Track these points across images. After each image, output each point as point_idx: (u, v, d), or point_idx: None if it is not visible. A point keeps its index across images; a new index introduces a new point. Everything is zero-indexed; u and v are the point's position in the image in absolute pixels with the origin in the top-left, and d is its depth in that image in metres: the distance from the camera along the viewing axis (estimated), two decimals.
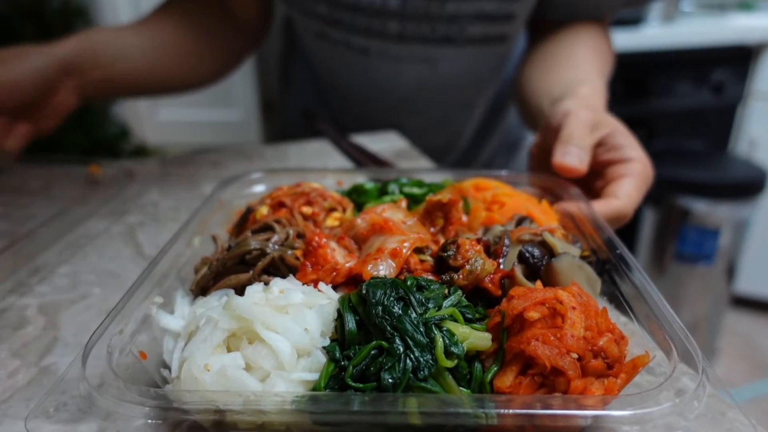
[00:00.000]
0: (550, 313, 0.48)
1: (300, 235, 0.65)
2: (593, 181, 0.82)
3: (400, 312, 0.49)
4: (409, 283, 0.52)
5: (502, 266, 0.58)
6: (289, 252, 0.62)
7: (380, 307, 0.49)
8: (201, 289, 0.61)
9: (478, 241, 0.60)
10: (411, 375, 0.46)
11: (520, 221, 0.66)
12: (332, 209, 0.73)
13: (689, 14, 2.88)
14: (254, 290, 0.54)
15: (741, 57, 2.71)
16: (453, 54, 1.21)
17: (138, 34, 1.09)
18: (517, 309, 0.48)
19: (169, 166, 1.18)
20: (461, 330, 0.49)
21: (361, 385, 0.46)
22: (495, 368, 0.48)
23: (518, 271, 0.57)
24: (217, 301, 0.55)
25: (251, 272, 0.60)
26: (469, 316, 0.52)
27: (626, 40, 2.45)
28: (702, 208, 2.51)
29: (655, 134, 2.75)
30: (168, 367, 0.50)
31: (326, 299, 0.54)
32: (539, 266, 0.58)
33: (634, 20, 2.57)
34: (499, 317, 0.50)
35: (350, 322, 0.50)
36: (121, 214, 0.96)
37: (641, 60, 2.56)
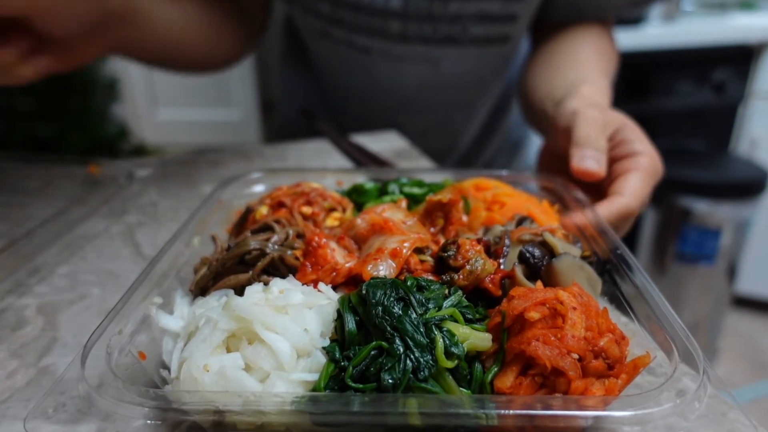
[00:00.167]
0: (550, 313, 0.48)
1: (300, 235, 0.65)
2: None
3: (400, 312, 0.49)
4: (409, 283, 0.52)
5: (502, 266, 0.58)
6: (289, 252, 0.62)
7: (380, 308, 0.49)
8: (200, 290, 0.61)
9: (479, 241, 0.60)
10: (411, 375, 0.45)
11: (521, 221, 0.66)
12: (332, 209, 0.73)
13: (690, 13, 2.88)
14: (254, 290, 0.53)
15: (742, 56, 2.71)
16: (455, 54, 1.21)
17: (174, 5, 1.05)
18: (518, 309, 0.48)
19: (169, 166, 1.18)
20: (461, 330, 0.49)
21: (361, 386, 0.46)
22: (495, 369, 0.48)
23: (519, 272, 0.57)
24: (216, 301, 0.55)
25: (251, 272, 0.60)
26: (470, 316, 0.52)
27: (627, 39, 2.45)
28: (703, 208, 2.51)
29: (656, 134, 2.72)
30: (167, 368, 0.50)
31: (326, 299, 0.54)
32: (540, 266, 0.58)
33: (635, 20, 2.57)
34: (500, 317, 0.49)
35: (350, 323, 0.50)
36: (121, 214, 0.96)
37: (642, 59, 2.56)
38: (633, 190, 0.75)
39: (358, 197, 0.80)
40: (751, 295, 3.09)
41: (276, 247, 0.62)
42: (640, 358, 0.48)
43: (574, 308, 0.48)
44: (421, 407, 0.43)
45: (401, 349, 0.46)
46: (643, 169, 0.77)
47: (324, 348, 0.49)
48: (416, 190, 0.80)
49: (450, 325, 0.49)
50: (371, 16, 1.15)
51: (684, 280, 2.66)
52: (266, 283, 0.56)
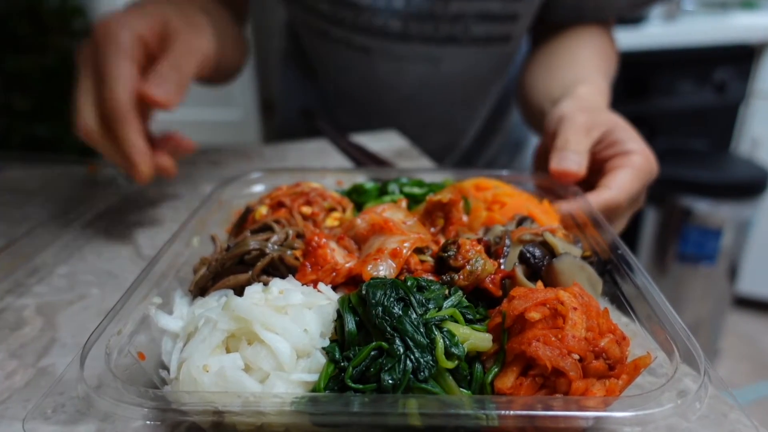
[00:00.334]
0: (551, 313, 0.48)
1: (299, 235, 0.65)
2: (594, 178, 0.82)
3: (401, 313, 0.48)
4: (409, 283, 0.52)
5: (502, 266, 0.58)
6: (289, 252, 0.62)
7: (380, 308, 0.49)
8: (200, 290, 0.61)
9: (479, 241, 0.60)
10: (411, 376, 0.45)
11: (521, 221, 0.66)
12: (332, 209, 0.73)
13: (691, 13, 2.88)
14: (253, 291, 0.53)
15: (743, 56, 2.71)
16: (456, 53, 1.20)
17: (217, 21, 1.02)
18: (518, 310, 0.48)
19: None
20: (462, 331, 0.49)
21: (360, 386, 0.46)
22: (496, 369, 0.48)
23: (519, 272, 0.57)
24: (216, 301, 0.55)
25: (250, 272, 0.60)
26: (470, 316, 0.52)
27: (628, 38, 2.45)
28: (704, 208, 2.51)
29: (656, 134, 2.74)
30: (167, 368, 0.50)
31: (326, 300, 0.54)
32: (540, 266, 0.58)
33: (635, 19, 2.57)
34: (500, 318, 0.49)
35: (350, 323, 0.50)
36: (120, 214, 0.96)
37: (643, 59, 2.56)
38: (621, 184, 0.76)
39: (358, 197, 0.79)
40: (752, 296, 3.08)
41: (276, 247, 0.62)
42: (641, 358, 0.48)
43: (575, 308, 0.48)
44: (422, 408, 0.43)
45: (401, 350, 0.46)
46: (633, 166, 0.77)
47: (324, 348, 0.49)
48: (416, 190, 0.80)
49: (450, 326, 0.49)
50: (372, 15, 1.15)
51: (685, 281, 2.65)
52: (266, 284, 0.56)
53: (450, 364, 0.46)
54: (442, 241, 0.63)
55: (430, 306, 0.50)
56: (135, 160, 0.77)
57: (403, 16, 1.14)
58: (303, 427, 0.47)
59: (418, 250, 0.61)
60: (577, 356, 0.46)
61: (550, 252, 0.59)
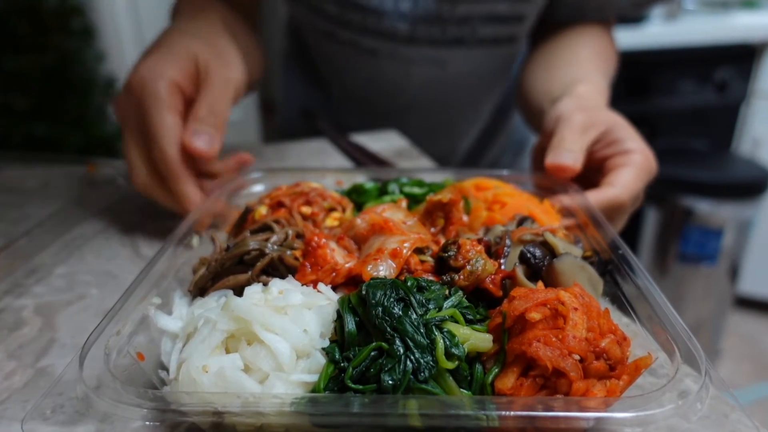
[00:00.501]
0: (551, 314, 0.48)
1: (299, 236, 0.65)
2: (594, 177, 0.82)
3: (401, 313, 0.48)
4: (409, 283, 0.52)
5: (503, 267, 0.58)
6: (288, 252, 0.61)
7: (380, 308, 0.48)
8: (199, 290, 0.61)
9: (479, 241, 0.60)
10: (411, 376, 0.45)
11: (522, 221, 0.66)
12: (332, 209, 0.73)
13: (692, 12, 2.87)
14: (253, 291, 0.53)
15: (744, 55, 2.70)
16: (463, 55, 1.20)
17: (240, 38, 1.02)
18: (519, 310, 0.48)
19: None
20: (462, 331, 0.48)
21: (360, 387, 0.46)
22: (496, 370, 0.48)
23: (519, 272, 0.56)
24: (215, 301, 0.55)
25: (250, 273, 0.60)
26: (470, 317, 0.51)
27: (629, 38, 2.45)
28: (705, 208, 2.50)
29: (657, 133, 2.74)
30: (166, 369, 0.50)
31: (326, 300, 0.53)
32: (541, 267, 0.58)
33: (636, 18, 2.56)
34: (500, 318, 0.49)
35: (350, 323, 0.49)
36: (119, 214, 0.95)
37: (644, 58, 2.55)
38: (624, 182, 0.76)
39: (358, 197, 0.79)
40: (753, 296, 3.08)
41: (275, 247, 0.62)
42: (642, 359, 0.48)
43: (576, 309, 0.48)
44: (422, 408, 0.43)
45: (401, 350, 0.46)
46: (635, 164, 0.78)
47: (324, 349, 0.49)
48: (416, 190, 0.80)
49: (450, 326, 0.48)
50: (380, 18, 1.15)
51: (686, 281, 2.65)
52: (265, 284, 0.56)
53: (450, 365, 0.46)
54: (443, 241, 0.63)
55: (431, 306, 0.50)
56: (191, 211, 0.79)
57: (410, 19, 1.14)
58: (303, 428, 0.47)
59: (419, 250, 0.61)
60: (577, 357, 0.45)
61: (551, 252, 0.59)
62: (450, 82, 1.27)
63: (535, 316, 0.47)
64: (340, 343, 0.49)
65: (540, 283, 0.55)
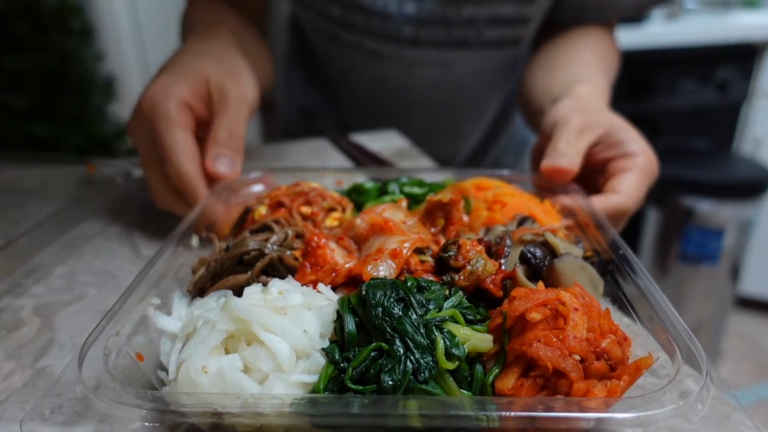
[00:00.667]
0: (552, 314, 0.48)
1: (299, 236, 0.65)
2: (596, 179, 0.82)
3: (401, 313, 0.48)
4: (409, 284, 0.52)
5: (503, 267, 0.58)
6: (288, 252, 0.61)
7: (380, 309, 0.48)
8: (199, 290, 0.60)
9: (480, 241, 0.60)
10: (411, 377, 0.45)
11: (522, 221, 0.65)
12: (331, 209, 0.72)
13: (693, 12, 2.87)
14: (253, 291, 0.53)
15: (746, 55, 2.70)
16: (467, 57, 1.20)
17: (250, 49, 1.02)
18: (519, 310, 0.48)
19: None
20: (462, 331, 0.48)
21: (360, 388, 0.46)
22: (496, 370, 0.48)
23: (520, 272, 0.56)
24: (215, 302, 0.54)
25: (249, 273, 0.60)
26: (470, 317, 0.51)
27: (629, 37, 2.45)
28: (706, 208, 2.50)
29: (658, 133, 2.74)
30: (165, 369, 0.50)
31: (325, 300, 0.53)
32: (541, 267, 0.58)
33: (637, 18, 2.56)
34: (501, 318, 0.49)
35: (350, 324, 0.49)
36: (118, 214, 0.95)
37: (645, 58, 2.55)
38: (628, 189, 0.75)
39: (357, 197, 0.79)
40: (754, 296, 3.08)
41: (275, 247, 0.61)
42: (643, 359, 0.47)
43: (576, 309, 0.47)
44: (422, 409, 0.43)
45: (401, 351, 0.46)
46: (638, 168, 0.77)
47: (323, 349, 0.49)
48: (416, 190, 0.80)
49: (451, 326, 0.48)
50: (384, 20, 1.15)
51: (687, 281, 2.65)
52: (265, 284, 0.56)
53: (450, 365, 0.46)
54: (443, 241, 0.62)
55: (431, 306, 0.50)
56: (217, 222, 0.79)
57: (415, 22, 1.14)
58: (302, 429, 0.47)
59: (419, 251, 0.61)
60: (578, 357, 0.45)
61: (551, 252, 0.59)
62: (454, 84, 1.27)
63: (535, 316, 0.47)
64: (339, 343, 0.49)
65: (540, 284, 0.55)
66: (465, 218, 0.69)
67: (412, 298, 0.50)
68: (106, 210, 0.95)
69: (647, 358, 0.47)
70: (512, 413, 0.42)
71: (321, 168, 1.03)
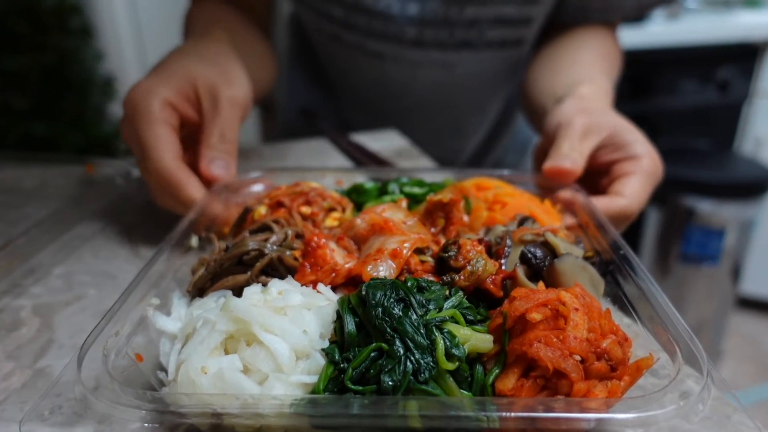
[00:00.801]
0: (552, 314, 0.47)
1: (299, 236, 0.64)
2: (600, 180, 0.82)
3: (401, 313, 0.48)
4: (409, 284, 0.51)
5: (503, 267, 0.58)
6: (288, 252, 0.61)
7: (380, 309, 0.48)
8: (198, 291, 0.60)
9: (480, 241, 0.60)
10: (411, 377, 0.45)
11: (523, 221, 0.65)
12: (331, 209, 0.72)
13: (694, 11, 2.86)
14: (252, 291, 0.53)
15: (747, 55, 2.70)
16: (470, 58, 1.20)
17: (245, 49, 1.01)
18: (519, 310, 0.48)
19: None
20: (462, 332, 0.48)
21: (360, 388, 0.46)
22: (496, 371, 0.47)
23: (520, 272, 0.56)
24: (214, 302, 0.54)
25: (249, 273, 0.59)
26: (471, 317, 0.51)
27: (630, 37, 2.44)
28: (707, 207, 2.50)
29: (659, 133, 2.73)
30: (165, 370, 0.50)
31: (325, 300, 0.53)
32: (542, 267, 0.57)
33: (638, 18, 2.56)
34: (501, 319, 0.49)
35: (350, 324, 0.49)
36: (117, 214, 0.95)
37: (645, 58, 2.55)
38: (633, 192, 0.75)
39: (357, 197, 0.79)
40: (755, 296, 3.07)
41: (275, 247, 0.61)
42: (643, 359, 0.47)
43: (577, 309, 0.47)
44: (422, 410, 0.43)
45: (401, 351, 0.46)
46: (643, 171, 0.77)
47: (323, 350, 0.49)
48: (417, 190, 0.79)
49: (451, 327, 0.48)
50: (386, 21, 1.14)
51: (687, 281, 2.64)
52: (265, 284, 0.56)
53: (450, 366, 0.46)
54: (443, 241, 0.62)
55: (431, 307, 0.50)
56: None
57: (417, 23, 1.14)
58: (302, 429, 0.47)
59: (419, 251, 0.61)
60: (578, 357, 0.45)
61: (552, 252, 0.59)
62: (456, 85, 1.27)
63: (535, 316, 0.47)
64: (339, 343, 0.49)
65: (541, 284, 0.55)
66: (465, 218, 0.69)
67: (412, 299, 0.49)
68: (105, 210, 0.95)
69: (648, 359, 0.47)
70: (512, 414, 0.42)
71: (321, 168, 1.03)
